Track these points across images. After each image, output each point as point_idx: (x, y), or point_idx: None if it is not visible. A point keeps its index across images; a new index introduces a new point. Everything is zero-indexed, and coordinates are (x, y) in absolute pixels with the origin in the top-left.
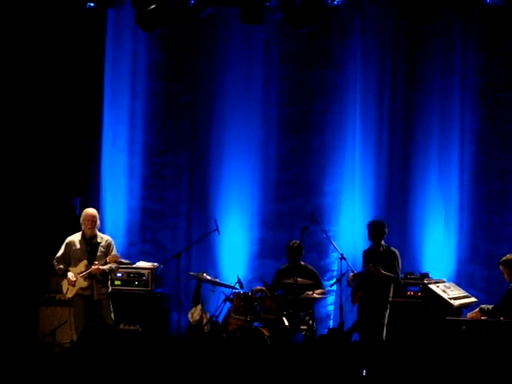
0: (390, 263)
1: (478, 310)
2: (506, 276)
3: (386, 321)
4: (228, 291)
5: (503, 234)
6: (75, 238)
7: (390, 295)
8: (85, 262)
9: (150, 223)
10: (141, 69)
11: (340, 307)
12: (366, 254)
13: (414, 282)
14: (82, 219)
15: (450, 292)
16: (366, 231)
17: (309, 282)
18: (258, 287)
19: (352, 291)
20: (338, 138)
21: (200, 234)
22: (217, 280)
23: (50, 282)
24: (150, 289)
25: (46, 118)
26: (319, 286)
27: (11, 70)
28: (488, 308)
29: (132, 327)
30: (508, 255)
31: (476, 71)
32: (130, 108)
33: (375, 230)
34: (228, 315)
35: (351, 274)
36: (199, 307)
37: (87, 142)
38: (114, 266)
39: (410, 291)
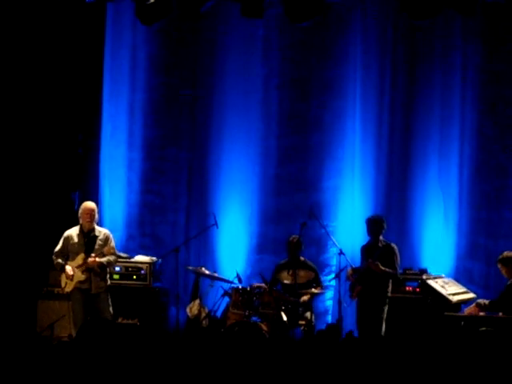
0: (388, 259)
1: (474, 304)
2: (504, 273)
3: (385, 316)
4: (226, 286)
5: (502, 230)
6: (73, 231)
7: (389, 290)
8: (82, 255)
9: (149, 217)
10: (140, 62)
11: (339, 302)
12: (365, 250)
13: (412, 277)
14: (80, 212)
15: (449, 288)
16: (365, 227)
17: (309, 274)
18: (257, 284)
19: (350, 286)
20: (337, 133)
21: (199, 229)
22: (215, 274)
23: (48, 275)
24: (148, 283)
25: (45, 112)
26: (318, 281)
27: (10, 65)
28: (485, 303)
29: (130, 321)
30: (505, 253)
31: (476, 67)
32: (130, 102)
33: (374, 225)
34: (226, 310)
35: (349, 268)
36: (197, 302)
37: (86, 135)
38: (112, 258)
39: (409, 287)
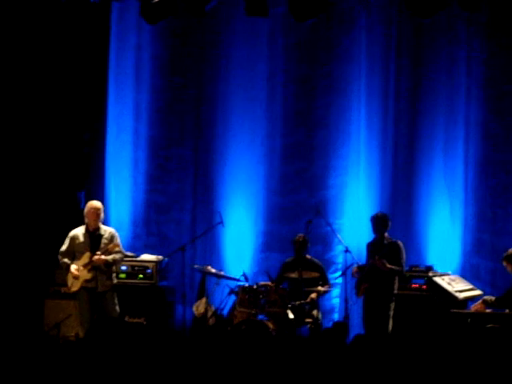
0: (394, 256)
1: (481, 301)
2: (509, 271)
3: (391, 313)
4: (233, 284)
5: (508, 227)
6: (79, 231)
7: (395, 287)
8: (88, 253)
9: (155, 216)
10: (145, 62)
11: (345, 300)
12: (370, 247)
13: (418, 274)
14: (85, 212)
15: (455, 285)
16: (370, 224)
17: (314, 274)
18: (263, 282)
19: (356, 284)
20: (342, 131)
21: (205, 227)
22: (222, 273)
23: (55, 275)
24: (154, 282)
25: (51, 112)
26: (324, 279)
27: (16, 65)
28: (491, 299)
29: (137, 320)
30: (510, 250)
31: (481, 63)
32: (135, 101)
33: (379, 222)
34: (233, 308)
35: (355, 266)
36: (204, 300)
37: (92, 135)
38: (118, 256)
39: (415, 284)
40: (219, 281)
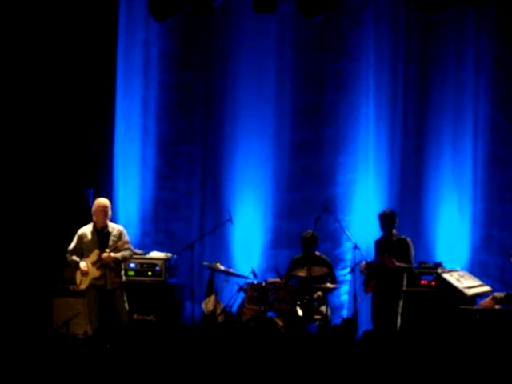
0: (402, 252)
1: (490, 298)
2: None
3: (400, 310)
4: (242, 281)
5: None
6: (87, 229)
7: (404, 284)
8: (97, 251)
9: (164, 213)
10: (153, 58)
11: (354, 297)
12: (378, 244)
13: (427, 271)
14: (93, 209)
15: (464, 281)
16: (378, 222)
17: (323, 270)
18: (272, 280)
19: (365, 280)
20: (350, 127)
21: (213, 224)
22: (230, 270)
23: (63, 272)
24: (163, 279)
25: (59, 109)
26: (333, 276)
27: (24, 62)
28: (501, 296)
29: (146, 317)
30: None
31: (489, 59)
32: (143, 98)
33: (387, 220)
34: (242, 305)
35: (363, 262)
36: (213, 297)
37: (100, 132)
38: (127, 253)
39: (424, 280)
40: (228, 278)
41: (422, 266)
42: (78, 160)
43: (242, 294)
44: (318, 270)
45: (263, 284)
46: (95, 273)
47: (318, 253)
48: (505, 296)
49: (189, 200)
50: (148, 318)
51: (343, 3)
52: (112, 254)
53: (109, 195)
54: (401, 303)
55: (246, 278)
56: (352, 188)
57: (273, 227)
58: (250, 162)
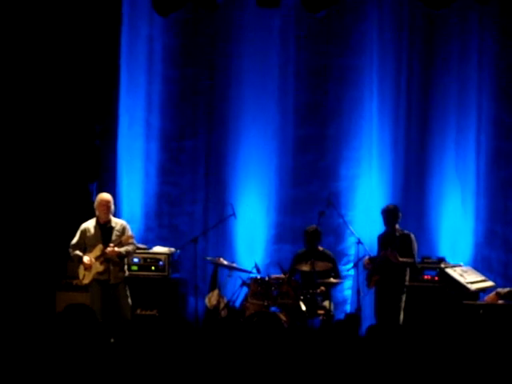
0: (406, 247)
1: (494, 293)
2: None
3: (403, 305)
4: (245, 276)
5: None
6: (90, 224)
7: (407, 279)
8: (100, 246)
9: (167, 208)
10: (157, 54)
11: (357, 292)
12: (381, 239)
13: (430, 266)
14: (96, 204)
15: (467, 276)
16: (381, 218)
17: (327, 265)
18: (275, 276)
19: (367, 276)
20: (354, 122)
21: (217, 219)
22: (234, 265)
23: (66, 267)
24: (166, 274)
25: (63, 104)
26: (336, 271)
27: (28, 57)
28: (504, 291)
29: (149, 312)
30: None
31: (493, 54)
32: (147, 93)
33: (390, 215)
34: (245, 300)
35: (366, 257)
36: (216, 292)
37: (103, 127)
38: (130, 248)
39: (427, 275)
40: (231, 273)
41: (426, 261)
42: (82, 155)
43: (245, 289)
44: (321, 265)
45: (266, 279)
46: (98, 267)
47: (321, 248)
48: (508, 291)
49: (192, 195)
50: (151, 313)
51: None
52: (116, 249)
53: (112, 190)
54: (404, 298)
55: (250, 272)
56: (355, 183)
57: (276, 222)
58: (253, 157)
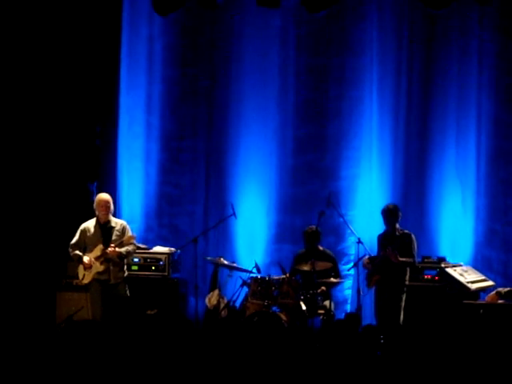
0: (406, 247)
1: (494, 292)
2: None
3: (403, 304)
4: (245, 276)
5: None
6: (90, 224)
7: (407, 279)
8: (100, 246)
9: (167, 208)
10: (157, 53)
11: (357, 291)
12: (381, 238)
13: (431, 265)
14: (95, 205)
15: (468, 276)
16: (381, 217)
17: (327, 265)
18: (276, 277)
19: (367, 275)
20: (354, 122)
21: (217, 219)
22: (234, 265)
23: (66, 267)
24: (167, 274)
25: (63, 104)
26: (336, 271)
27: (29, 57)
28: (504, 291)
29: (149, 312)
30: None
31: (493, 55)
32: (147, 93)
33: (390, 215)
34: (245, 300)
35: (367, 257)
36: (216, 292)
37: (104, 127)
38: (130, 248)
39: (428, 275)
40: (231, 272)
41: (426, 260)
42: (82, 155)
43: (245, 289)
44: (321, 265)
45: (267, 278)
46: (99, 267)
47: (321, 247)
48: (508, 291)
49: (192, 195)
50: (151, 313)
51: None
52: (117, 249)
53: (112, 190)
54: (404, 298)
55: (250, 272)
56: (355, 182)
57: (276, 222)
58: (253, 157)
